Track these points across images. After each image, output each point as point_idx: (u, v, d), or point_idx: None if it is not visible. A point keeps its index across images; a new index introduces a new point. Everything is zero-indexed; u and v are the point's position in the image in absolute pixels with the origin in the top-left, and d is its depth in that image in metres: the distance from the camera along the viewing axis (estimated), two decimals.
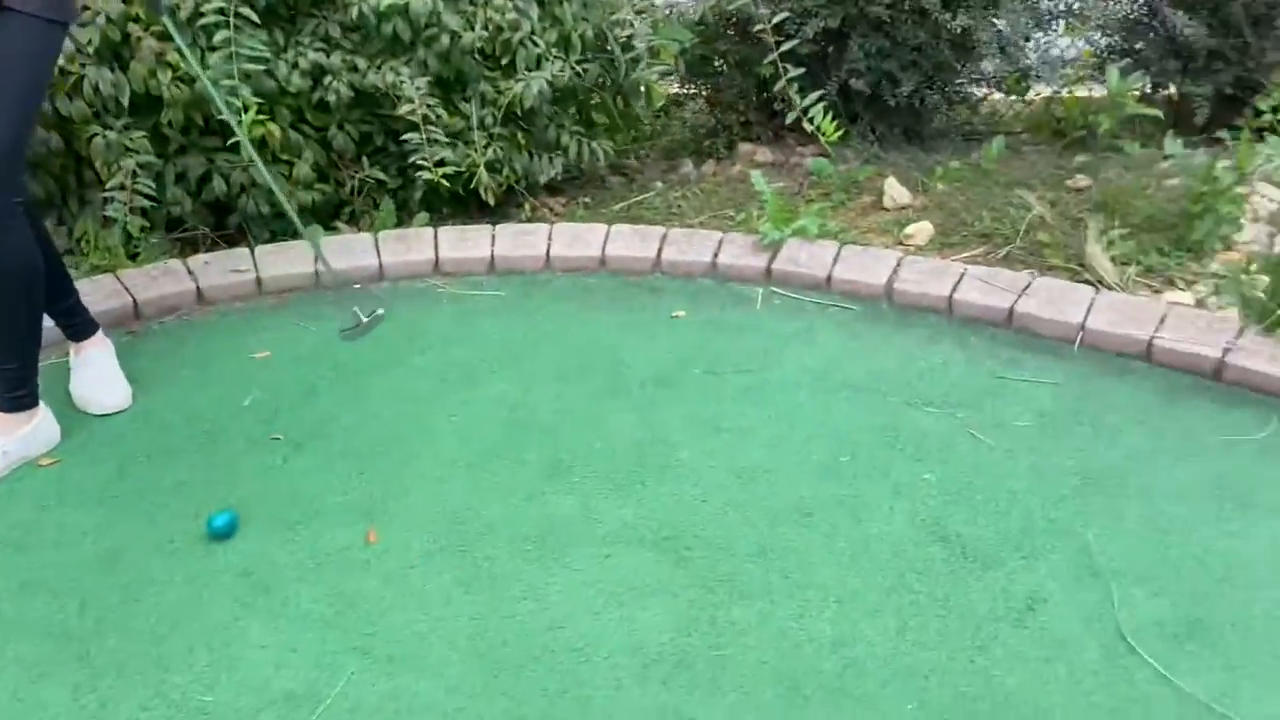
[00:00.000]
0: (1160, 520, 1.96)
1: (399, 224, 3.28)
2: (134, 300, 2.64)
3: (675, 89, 4.56)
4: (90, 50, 2.74)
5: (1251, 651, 1.68)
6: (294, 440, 2.24)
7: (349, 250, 2.94)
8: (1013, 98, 4.38)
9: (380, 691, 1.65)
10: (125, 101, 2.78)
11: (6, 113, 1.87)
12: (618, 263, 2.92)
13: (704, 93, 4.27)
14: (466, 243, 2.98)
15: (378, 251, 2.93)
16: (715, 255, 2.90)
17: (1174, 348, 2.37)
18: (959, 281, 2.69)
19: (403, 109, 3.05)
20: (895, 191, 3.42)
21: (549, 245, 2.95)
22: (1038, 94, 4.36)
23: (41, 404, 2.16)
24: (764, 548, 1.95)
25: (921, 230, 3.16)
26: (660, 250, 2.92)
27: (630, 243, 2.96)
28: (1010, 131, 4.09)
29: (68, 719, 1.59)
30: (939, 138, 3.99)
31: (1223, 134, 3.48)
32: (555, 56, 3.34)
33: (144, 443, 2.22)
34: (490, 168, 3.28)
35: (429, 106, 3.08)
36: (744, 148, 3.99)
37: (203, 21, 2.81)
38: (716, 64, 4.12)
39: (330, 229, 3.21)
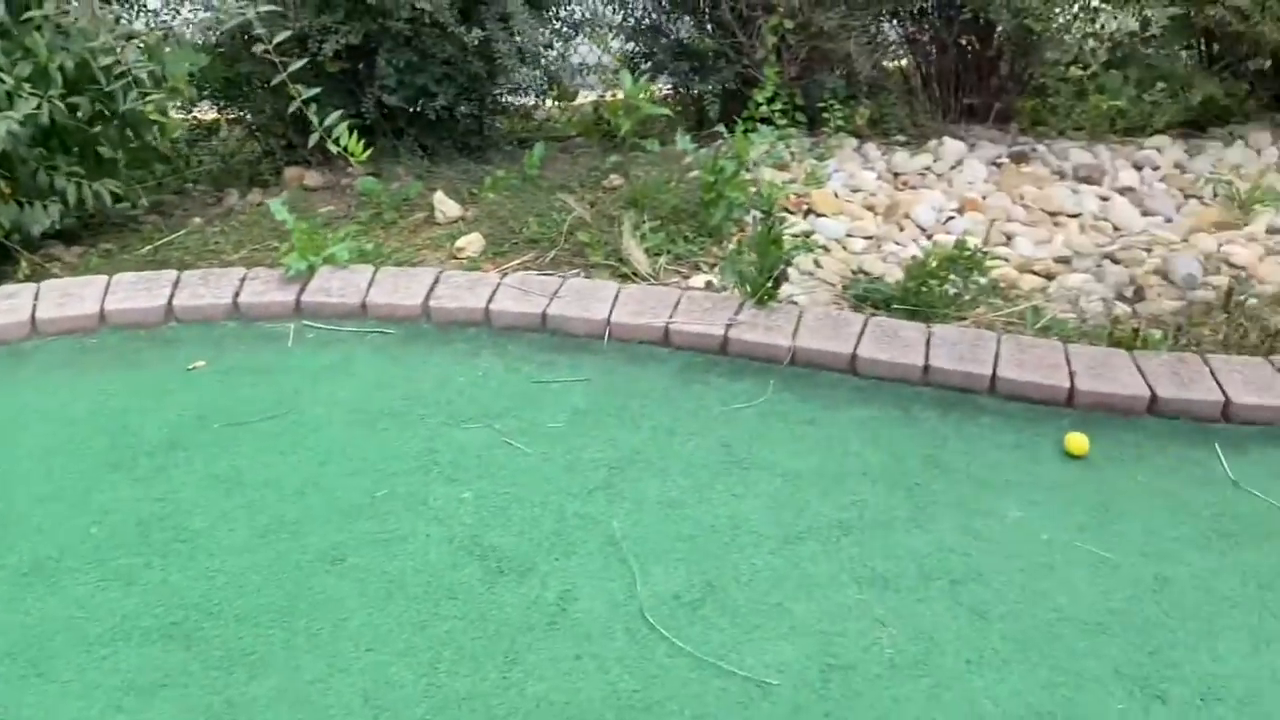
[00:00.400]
0: (675, 494, 2.06)
1: None
2: None
3: (210, 115, 4.21)
4: None
5: (755, 605, 1.80)
6: None
7: None
8: (562, 104, 4.53)
9: None
10: None
11: None
12: (121, 317, 2.60)
13: (246, 117, 3.99)
14: None
15: None
16: (236, 295, 2.68)
17: (686, 329, 2.52)
18: (495, 292, 2.70)
19: None
20: (445, 206, 3.38)
21: (34, 307, 2.56)
22: (585, 100, 4.55)
23: None
24: (288, 610, 1.80)
25: (472, 242, 3.14)
26: (172, 296, 2.64)
27: (134, 293, 2.65)
28: (564, 136, 4.23)
29: None
30: (490, 148, 4.01)
31: (725, 128, 3.82)
32: (31, 93, 2.93)
33: None
34: None
35: None
36: (291, 172, 3.77)
37: None
38: (244, 87, 3.85)
39: None
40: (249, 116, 3.98)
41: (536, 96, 4.36)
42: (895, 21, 4.01)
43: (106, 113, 3.27)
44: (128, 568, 1.87)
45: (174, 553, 1.91)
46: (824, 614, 1.77)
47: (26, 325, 2.54)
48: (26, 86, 2.95)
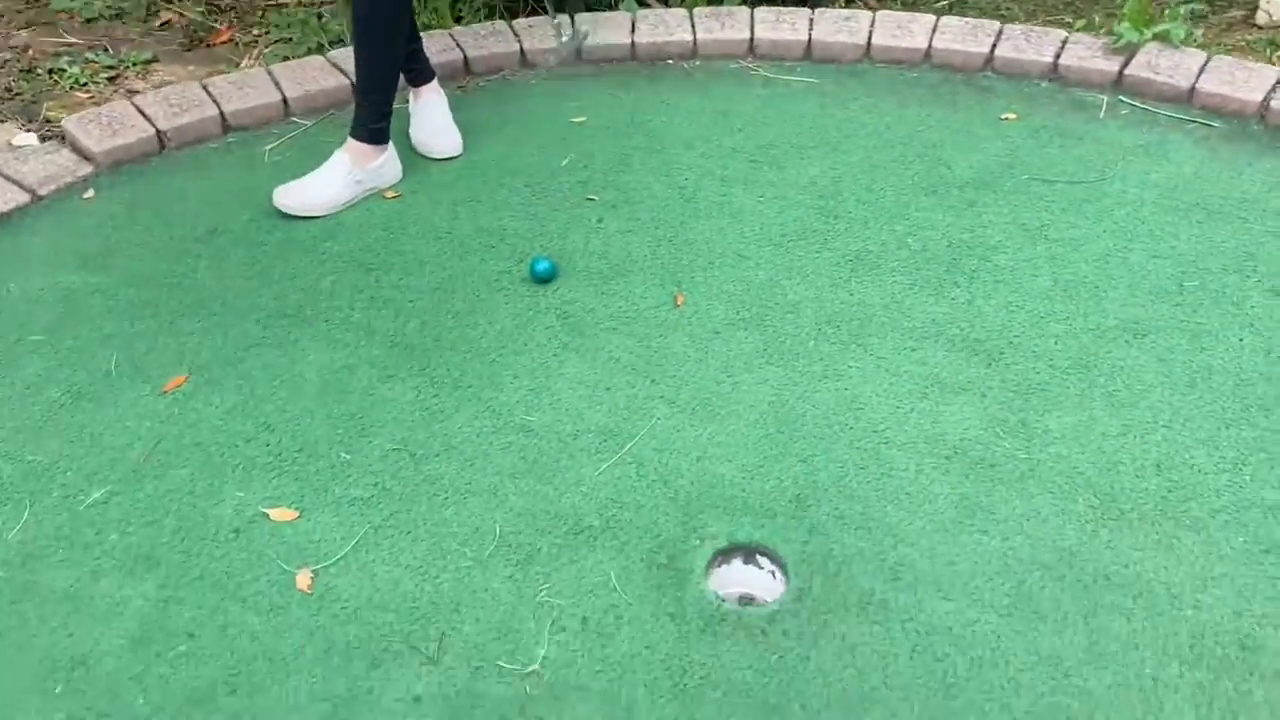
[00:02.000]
0: None
1: (713, 1, 3.20)
2: (464, 56, 2.75)
3: None
4: None
5: None
6: (607, 203, 2.29)
7: (664, 24, 2.90)
8: None
9: (685, 437, 1.72)
10: None
11: None
12: (944, 57, 2.71)
13: None
14: (783, 25, 2.85)
15: (692, 27, 2.86)
16: (1057, 56, 2.63)
17: None
18: None
19: None
20: (1273, 6, 2.94)
21: (870, 33, 2.77)
22: None
23: (390, 142, 2.32)
24: (1086, 362, 1.83)
25: None
26: (994, 46, 2.68)
27: (960, 36, 2.73)
28: None
29: (409, 416, 1.78)
30: None
31: None
32: None
33: (473, 189, 2.35)
34: None
35: None
36: None
37: None
38: None
39: (643, 3, 3.17)
40: None
41: None
42: None
43: None
44: (937, 280, 2.04)
45: (980, 280, 2.03)
46: None
47: (861, 48, 2.77)
48: None
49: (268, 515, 1.61)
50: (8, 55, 2.99)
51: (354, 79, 2.36)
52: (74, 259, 2.10)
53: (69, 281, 2.04)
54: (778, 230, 2.19)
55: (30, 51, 3.02)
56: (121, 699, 1.37)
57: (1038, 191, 2.26)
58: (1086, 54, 2.62)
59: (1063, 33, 2.72)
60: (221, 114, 2.48)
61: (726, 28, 2.86)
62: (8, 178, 2.23)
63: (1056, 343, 1.88)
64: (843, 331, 1.93)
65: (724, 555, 1.54)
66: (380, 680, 1.39)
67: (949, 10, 3.14)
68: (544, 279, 2.06)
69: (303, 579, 1.51)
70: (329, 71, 2.65)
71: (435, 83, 2.49)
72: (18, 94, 2.78)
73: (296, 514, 1.61)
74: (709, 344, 1.91)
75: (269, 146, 2.47)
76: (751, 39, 2.83)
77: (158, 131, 2.40)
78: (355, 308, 2.02)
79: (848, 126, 2.52)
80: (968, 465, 1.65)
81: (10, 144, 2.39)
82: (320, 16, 3.18)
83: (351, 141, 2.27)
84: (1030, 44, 2.68)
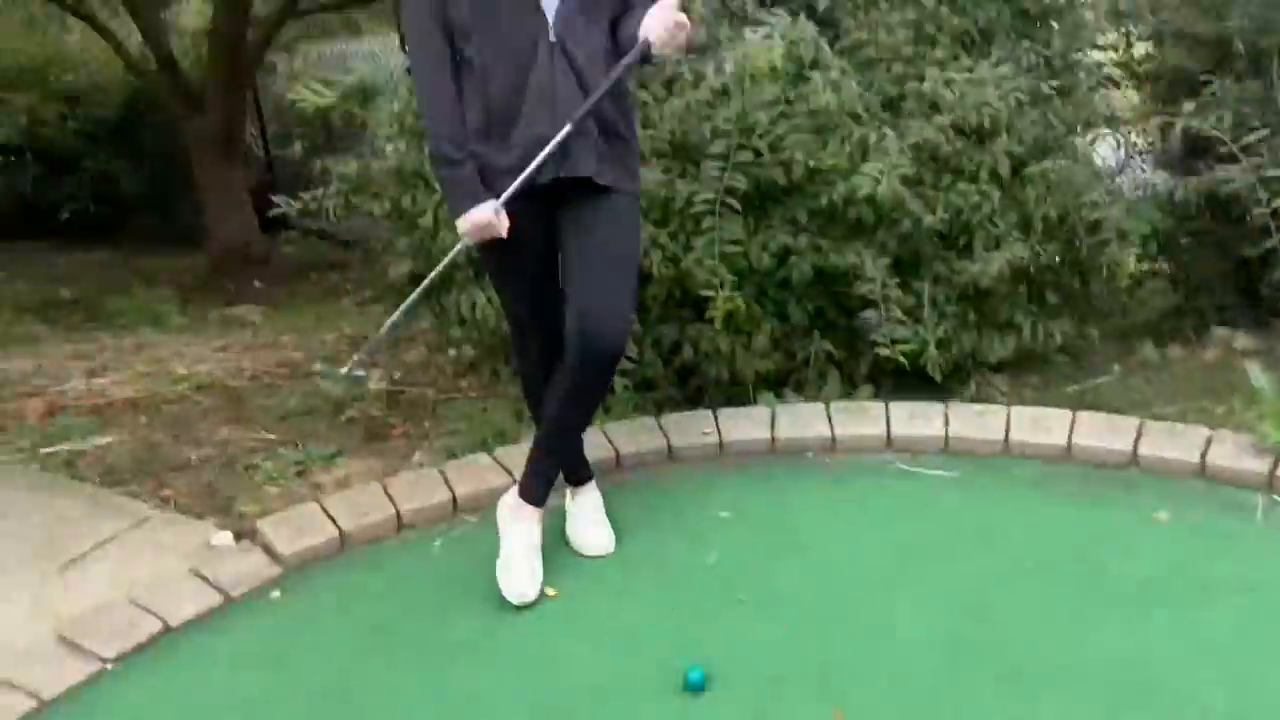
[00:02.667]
0: None
1: (842, 396, 3.40)
2: (616, 452, 2.95)
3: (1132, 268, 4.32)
4: None
5: None
6: (757, 603, 2.33)
7: (801, 418, 3.07)
8: None
9: None
10: None
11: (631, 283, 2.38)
12: (1085, 454, 2.76)
13: (1169, 271, 4.01)
14: (918, 420, 2.99)
15: (829, 422, 3.03)
16: (1204, 454, 2.65)
17: None
18: None
19: (863, 288, 3.19)
20: None
21: (1007, 428, 2.87)
22: None
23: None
24: None
25: None
26: (1136, 443, 2.73)
27: (1099, 432, 2.80)
28: None
29: None
30: None
31: None
32: (1016, 239, 3.34)
33: (629, 585, 2.43)
34: (939, 344, 3.30)
35: (886, 285, 3.20)
36: (1219, 332, 3.66)
37: (693, 210, 3.16)
38: (1183, 242, 3.86)
39: (779, 396, 3.39)
40: (1177, 271, 3.98)
41: None
42: None
43: (1065, 259, 3.57)
44: (1102, 704, 1.95)
45: (1153, 706, 1.93)
46: None
47: (999, 443, 2.86)
48: (1014, 233, 3.36)
49: None
50: (211, 451, 3.37)
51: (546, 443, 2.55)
52: (255, 663, 2.23)
53: (248, 689, 2.15)
54: (929, 640, 2.16)
55: (230, 447, 3.40)
56: None
57: (1204, 601, 2.19)
58: (1234, 452, 2.63)
59: (1206, 430, 2.75)
60: (398, 513, 2.69)
61: (863, 423, 3.01)
62: (204, 579, 2.44)
63: None
64: None
65: None
66: None
67: (1082, 400, 3.24)
68: (696, 688, 2.07)
69: None
70: (495, 470, 2.88)
71: (593, 482, 2.67)
72: (216, 490, 3.10)
73: None
74: None
75: (437, 543, 2.65)
76: (888, 433, 2.96)
77: (340, 532, 2.61)
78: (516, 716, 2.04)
79: (992, 524, 2.55)
80: None
81: (209, 544, 2.64)
82: (484, 409, 3.50)
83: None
84: (1173, 441, 2.72)
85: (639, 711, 2.04)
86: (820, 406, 3.13)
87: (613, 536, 2.59)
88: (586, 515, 2.61)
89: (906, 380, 3.46)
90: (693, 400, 3.44)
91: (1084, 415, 2.88)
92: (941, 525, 2.56)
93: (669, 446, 3.00)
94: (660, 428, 3.07)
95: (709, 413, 3.15)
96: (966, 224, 3.32)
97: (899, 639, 2.17)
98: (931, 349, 3.23)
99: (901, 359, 3.14)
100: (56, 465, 3.26)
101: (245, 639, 2.31)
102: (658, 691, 2.08)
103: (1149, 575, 2.30)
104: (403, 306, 2.51)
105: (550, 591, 2.42)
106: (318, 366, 4.06)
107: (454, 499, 2.77)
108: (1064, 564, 2.37)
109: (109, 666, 2.18)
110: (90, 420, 3.64)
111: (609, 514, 2.65)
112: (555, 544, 2.55)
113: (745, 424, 3.06)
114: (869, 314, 3.20)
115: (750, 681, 2.08)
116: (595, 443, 3.00)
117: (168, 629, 2.28)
